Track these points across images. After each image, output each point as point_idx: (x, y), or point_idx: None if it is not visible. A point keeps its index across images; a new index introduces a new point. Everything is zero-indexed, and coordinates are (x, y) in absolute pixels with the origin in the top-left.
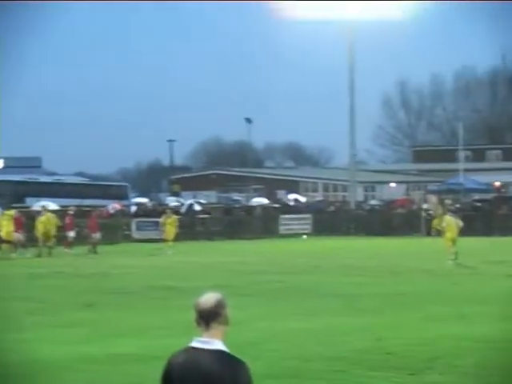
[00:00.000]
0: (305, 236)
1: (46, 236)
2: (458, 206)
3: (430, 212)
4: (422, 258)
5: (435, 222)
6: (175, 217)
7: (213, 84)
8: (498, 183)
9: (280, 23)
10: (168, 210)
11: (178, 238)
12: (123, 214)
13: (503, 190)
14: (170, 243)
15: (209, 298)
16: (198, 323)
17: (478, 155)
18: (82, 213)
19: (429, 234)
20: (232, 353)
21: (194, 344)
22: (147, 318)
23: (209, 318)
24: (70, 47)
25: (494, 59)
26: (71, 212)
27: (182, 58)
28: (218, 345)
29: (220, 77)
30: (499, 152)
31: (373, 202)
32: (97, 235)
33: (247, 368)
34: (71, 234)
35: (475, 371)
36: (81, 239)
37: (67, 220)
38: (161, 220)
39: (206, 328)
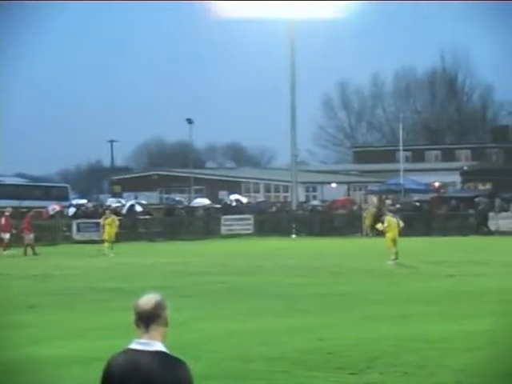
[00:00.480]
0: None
1: None
2: (398, 206)
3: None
4: (363, 259)
5: (367, 222)
6: (114, 217)
7: (154, 84)
8: (437, 183)
9: (220, 23)
10: (107, 211)
11: (119, 238)
12: (62, 215)
13: (442, 191)
14: (110, 244)
15: (148, 300)
16: (137, 325)
17: (418, 156)
18: (20, 214)
19: (367, 234)
20: (172, 354)
21: (134, 346)
22: (88, 320)
23: (148, 319)
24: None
25: (434, 61)
26: (7, 213)
27: (123, 58)
28: (158, 346)
29: (161, 77)
30: (438, 152)
31: (314, 202)
32: (30, 236)
33: (188, 368)
34: (7, 235)
35: (415, 371)
36: (18, 241)
37: (3, 221)
38: (101, 221)
39: (146, 330)
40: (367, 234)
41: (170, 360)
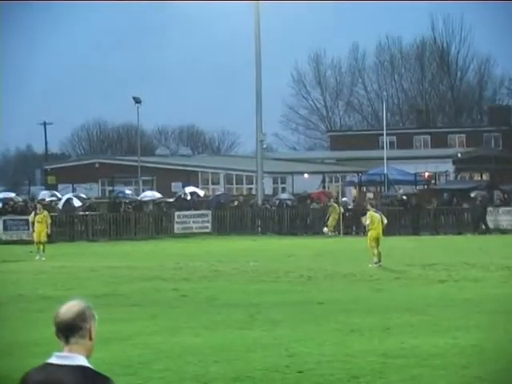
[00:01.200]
0: (330, 232)
1: None
2: (381, 200)
3: (350, 207)
4: (341, 261)
5: (330, 220)
6: (46, 213)
7: (94, 58)
8: (426, 174)
9: None
10: (38, 206)
11: (54, 238)
12: None
13: (433, 182)
14: (41, 245)
15: (69, 308)
16: (57, 336)
17: (404, 141)
18: None
19: (327, 234)
20: (96, 369)
21: (53, 360)
22: (18, 334)
23: (67, 331)
24: None
25: (422, 29)
26: None
27: (58, 26)
28: (79, 360)
29: (103, 50)
30: (428, 137)
31: (283, 195)
32: None
33: None
34: None
35: None
36: None
37: None
38: (29, 218)
39: (66, 342)
40: (327, 234)
41: (92, 375)
